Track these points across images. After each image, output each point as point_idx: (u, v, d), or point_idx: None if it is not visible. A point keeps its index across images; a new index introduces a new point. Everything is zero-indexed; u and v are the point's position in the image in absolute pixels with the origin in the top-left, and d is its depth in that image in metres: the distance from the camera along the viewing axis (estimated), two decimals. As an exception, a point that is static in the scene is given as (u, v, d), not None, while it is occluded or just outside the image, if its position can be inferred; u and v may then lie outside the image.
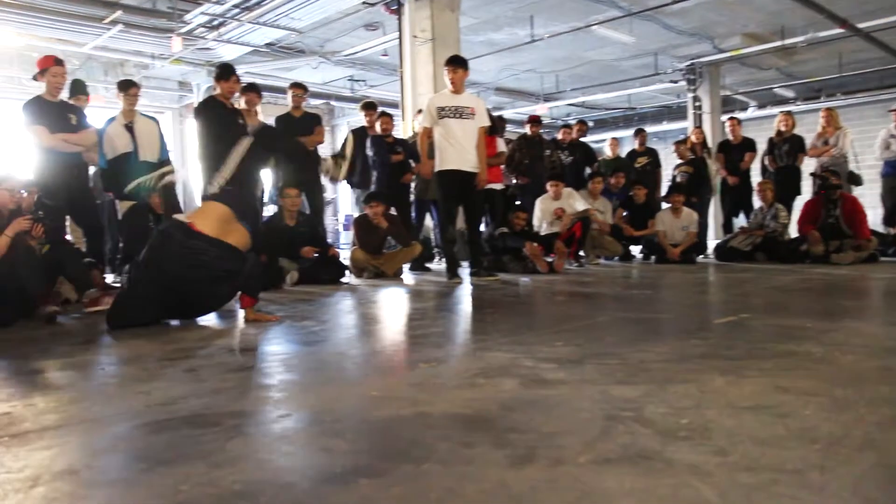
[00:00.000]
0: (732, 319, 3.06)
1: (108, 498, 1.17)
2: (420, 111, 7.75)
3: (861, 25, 10.64)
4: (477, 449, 1.34)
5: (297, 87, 6.83)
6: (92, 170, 6.12)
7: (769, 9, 10.76)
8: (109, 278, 5.91)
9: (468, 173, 5.41)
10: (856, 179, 7.90)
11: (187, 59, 11.27)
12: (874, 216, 7.81)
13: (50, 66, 5.08)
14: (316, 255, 5.90)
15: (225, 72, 5.51)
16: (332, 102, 15.41)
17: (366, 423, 1.56)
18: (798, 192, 7.97)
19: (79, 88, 6.04)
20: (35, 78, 5.24)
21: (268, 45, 10.83)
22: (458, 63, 5.51)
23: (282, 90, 13.69)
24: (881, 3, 10.29)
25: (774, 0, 10.08)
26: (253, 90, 6.35)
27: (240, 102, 6.00)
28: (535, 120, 8.07)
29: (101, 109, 10.88)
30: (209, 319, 3.73)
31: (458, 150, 5.38)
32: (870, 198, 9.14)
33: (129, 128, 5.83)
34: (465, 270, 5.83)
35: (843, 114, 8.45)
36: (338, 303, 4.39)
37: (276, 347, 2.71)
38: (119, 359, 2.59)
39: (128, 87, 5.89)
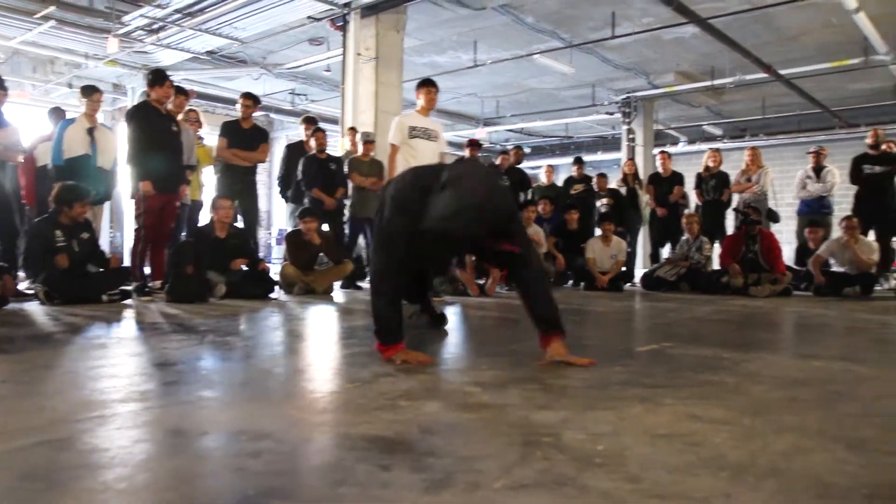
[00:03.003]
0: (654, 348, 3.15)
1: (-1, 519, 1.10)
2: (352, 129, 7.77)
3: (783, 72, 11.26)
4: (394, 472, 1.33)
5: (248, 97, 6.74)
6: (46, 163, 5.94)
7: (701, 50, 11.26)
8: (23, 285, 5.63)
9: None
10: (774, 216, 8.32)
11: (123, 61, 10.94)
12: (790, 252, 8.21)
13: None
14: (245, 268, 5.79)
15: (158, 77, 5.41)
16: (272, 115, 15.23)
17: (284, 443, 1.53)
18: (723, 228, 8.31)
19: None
20: None
21: (208, 52, 10.63)
22: (434, 84, 5.56)
23: (220, 99, 13.52)
24: (803, 53, 10.92)
25: (705, 42, 10.54)
26: (181, 93, 6.25)
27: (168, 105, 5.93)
28: (474, 143, 8.18)
29: (26, 107, 10.45)
30: (132, 332, 3.60)
31: None
32: (786, 234, 9.62)
33: (90, 132, 5.72)
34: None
35: (764, 153, 8.89)
36: (265, 318, 4.30)
37: (198, 363, 2.63)
38: (24, 369, 2.46)
39: (91, 93, 5.77)
